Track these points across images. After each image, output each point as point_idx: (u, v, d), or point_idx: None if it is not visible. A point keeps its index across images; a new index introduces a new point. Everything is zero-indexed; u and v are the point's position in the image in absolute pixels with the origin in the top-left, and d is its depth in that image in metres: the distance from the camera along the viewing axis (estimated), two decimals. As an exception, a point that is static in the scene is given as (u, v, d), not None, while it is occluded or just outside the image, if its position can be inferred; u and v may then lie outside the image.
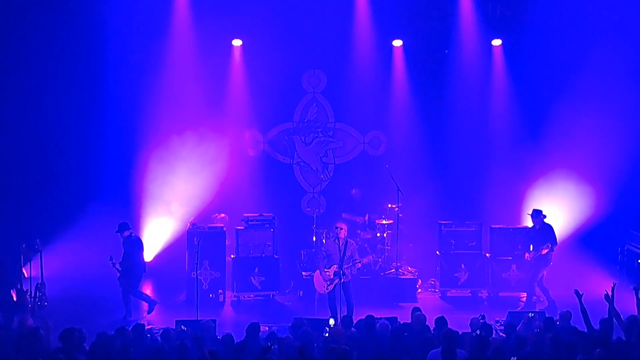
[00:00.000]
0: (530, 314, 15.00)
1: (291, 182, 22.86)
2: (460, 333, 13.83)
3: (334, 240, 17.86)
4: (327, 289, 17.85)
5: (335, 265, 17.68)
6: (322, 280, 17.92)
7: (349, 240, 17.90)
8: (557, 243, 19.20)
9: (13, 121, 20.85)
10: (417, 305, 16.90)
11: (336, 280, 17.67)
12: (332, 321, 14.90)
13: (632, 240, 20.28)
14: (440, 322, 14.49)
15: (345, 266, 17.59)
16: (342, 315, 16.53)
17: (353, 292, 17.81)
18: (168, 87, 21.48)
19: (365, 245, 20.15)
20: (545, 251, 18.87)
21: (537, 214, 19.25)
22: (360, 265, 18.23)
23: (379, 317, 14.63)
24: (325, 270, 17.82)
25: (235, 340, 13.46)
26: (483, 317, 15.35)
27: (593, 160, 21.26)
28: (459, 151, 22.29)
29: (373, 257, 19.28)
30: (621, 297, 18.70)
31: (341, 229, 17.76)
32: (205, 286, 19.26)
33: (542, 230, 19.15)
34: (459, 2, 21.91)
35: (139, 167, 21.54)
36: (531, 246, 19.28)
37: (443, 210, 21.37)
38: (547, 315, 15.37)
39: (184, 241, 19.82)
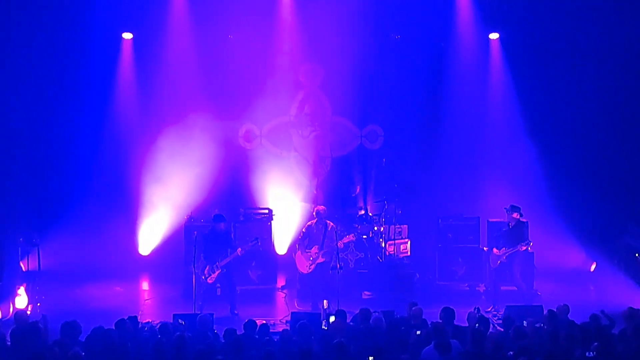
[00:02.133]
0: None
1: (288, 175, 22.82)
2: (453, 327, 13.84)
3: (315, 223, 18.46)
4: (309, 269, 18.38)
5: (316, 246, 18.26)
6: (304, 260, 18.45)
7: (327, 222, 18.42)
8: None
9: (9, 116, 20.80)
10: (414, 299, 16.96)
11: (318, 260, 18.24)
12: (332, 318, 14.90)
13: (630, 234, 20.25)
14: (448, 313, 14.42)
15: (325, 250, 18.16)
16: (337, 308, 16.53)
17: (342, 280, 18.04)
18: (164, 81, 21.45)
19: (363, 237, 20.14)
20: (524, 248, 18.39)
21: (515, 210, 18.52)
22: (341, 245, 18.52)
23: (374, 310, 14.67)
24: (307, 250, 18.37)
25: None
26: (478, 309, 15.40)
27: (591, 153, 21.24)
28: (456, 145, 22.24)
29: (354, 235, 19.35)
30: (619, 291, 18.91)
31: (321, 212, 18.43)
32: (203, 280, 19.23)
33: (518, 226, 18.50)
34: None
35: (136, 161, 21.53)
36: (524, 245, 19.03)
37: (440, 204, 21.36)
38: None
39: (182, 235, 19.85)
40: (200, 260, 17.75)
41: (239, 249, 17.96)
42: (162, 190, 21.40)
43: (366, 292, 19.57)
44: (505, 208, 18.67)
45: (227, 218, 18.45)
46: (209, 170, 21.48)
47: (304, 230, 18.73)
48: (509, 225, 18.50)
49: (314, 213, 18.79)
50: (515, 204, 18.55)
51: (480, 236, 20.33)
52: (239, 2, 21.18)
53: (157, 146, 21.48)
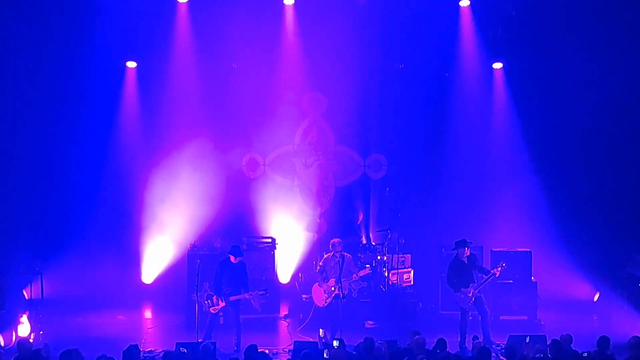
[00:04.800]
0: (527, 338, 14.95)
1: (291, 204, 22.81)
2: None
3: (332, 256, 18.35)
4: (325, 302, 18.28)
5: (333, 279, 18.16)
6: (322, 294, 18.33)
7: (345, 254, 18.36)
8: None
9: (11, 143, 20.84)
10: (417, 328, 16.95)
11: (334, 294, 18.07)
12: (336, 343, 14.85)
13: (633, 264, 20.21)
14: (441, 344, 14.50)
15: (344, 279, 18.06)
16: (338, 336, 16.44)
17: (345, 309, 18.17)
18: (168, 109, 21.51)
19: (367, 266, 20.10)
20: (499, 270, 18.04)
21: (463, 245, 18.08)
22: (357, 277, 18.55)
23: (377, 340, 14.65)
24: (324, 283, 18.33)
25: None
26: (476, 337, 15.48)
27: (594, 182, 21.23)
28: (459, 174, 22.23)
29: (370, 268, 19.34)
30: (621, 321, 18.87)
31: (337, 245, 18.29)
32: (206, 309, 19.18)
33: (472, 259, 18.24)
34: (460, 24, 21.91)
35: (139, 190, 21.55)
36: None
37: (443, 234, 21.29)
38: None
39: (184, 263, 19.81)
40: (204, 288, 17.67)
41: (248, 294, 17.83)
42: (165, 219, 21.41)
43: (369, 322, 19.52)
44: (452, 248, 18.32)
45: (242, 252, 18.11)
46: (212, 199, 21.46)
47: (321, 263, 18.71)
48: (463, 262, 18.12)
49: (330, 246, 18.74)
50: (460, 240, 18.21)
51: (484, 266, 20.21)
52: (243, 32, 21.21)
53: (160, 175, 21.50)
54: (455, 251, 18.15)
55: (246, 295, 17.73)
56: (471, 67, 22.24)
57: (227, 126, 22.04)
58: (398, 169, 22.66)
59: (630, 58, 20.93)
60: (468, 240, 18.19)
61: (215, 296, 17.68)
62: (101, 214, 21.47)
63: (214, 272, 17.77)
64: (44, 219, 21.12)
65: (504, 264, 18.27)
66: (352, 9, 21.43)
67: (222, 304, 17.66)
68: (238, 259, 17.80)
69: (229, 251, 17.90)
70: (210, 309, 17.63)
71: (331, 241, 18.72)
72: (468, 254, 18.09)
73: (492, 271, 18.11)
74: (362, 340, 14.62)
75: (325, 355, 14.29)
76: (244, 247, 19.99)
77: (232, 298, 17.66)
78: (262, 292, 17.96)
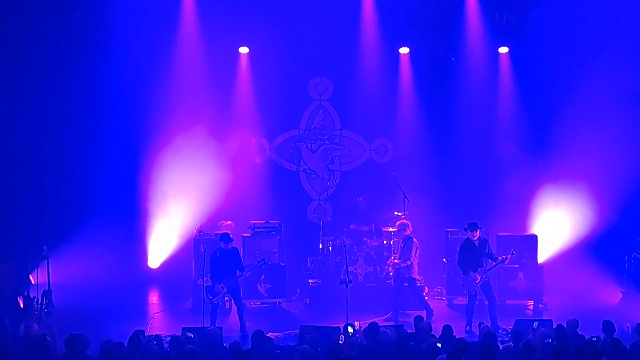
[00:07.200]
0: (534, 323, 14.95)
1: (297, 189, 22.86)
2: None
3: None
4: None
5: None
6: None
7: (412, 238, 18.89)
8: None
9: (20, 129, 20.89)
10: (423, 313, 16.95)
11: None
12: (350, 329, 14.79)
13: (639, 249, 20.17)
14: (447, 330, 14.46)
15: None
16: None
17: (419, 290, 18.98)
18: (174, 95, 21.49)
19: (372, 253, 20.12)
20: (509, 257, 18.06)
21: (476, 228, 18.05)
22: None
23: (383, 325, 14.63)
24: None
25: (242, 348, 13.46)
26: (481, 323, 15.50)
27: (600, 168, 21.19)
28: (465, 158, 22.24)
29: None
30: (628, 306, 18.84)
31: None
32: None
33: (483, 243, 18.20)
34: (465, 9, 21.86)
35: (145, 174, 21.55)
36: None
37: (449, 218, 21.26)
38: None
39: (191, 248, 19.83)
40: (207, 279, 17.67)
41: (246, 270, 17.89)
42: (172, 203, 21.42)
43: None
44: (464, 228, 18.28)
45: (232, 237, 18.09)
46: (218, 183, 21.47)
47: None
48: (474, 244, 18.08)
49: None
50: (473, 222, 18.19)
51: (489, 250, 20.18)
52: (249, 16, 21.19)
53: (166, 159, 21.50)
54: (468, 233, 18.13)
55: (245, 274, 17.78)
56: (477, 51, 22.20)
57: (234, 111, 22.05)
58: (404, 152, 22.65)
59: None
60: (479, 225, 18.17)
61: (214, 285, 17.68)
62: (108, 198, 21.47)
63: (209, 264, 17.77)
64: (51, 203, 21.19)
65: (514, 251, 18.31)
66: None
67: (223, 292, 17.67)
68: (229, 245, 17.82)
69: (219, 240, 17.93)
70: (213, 300, 17.61)
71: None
72: (478, 236, 18.06)
73: (500, 258, 18.09)
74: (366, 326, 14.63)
75: (340, 341, 14.25)
76: (250, 231, 20.05)
77: (235, 279, 17.68)
78: (260, 263, 18.10)
